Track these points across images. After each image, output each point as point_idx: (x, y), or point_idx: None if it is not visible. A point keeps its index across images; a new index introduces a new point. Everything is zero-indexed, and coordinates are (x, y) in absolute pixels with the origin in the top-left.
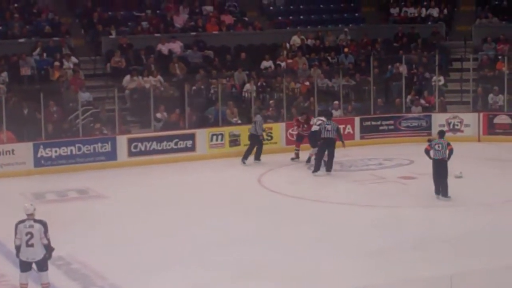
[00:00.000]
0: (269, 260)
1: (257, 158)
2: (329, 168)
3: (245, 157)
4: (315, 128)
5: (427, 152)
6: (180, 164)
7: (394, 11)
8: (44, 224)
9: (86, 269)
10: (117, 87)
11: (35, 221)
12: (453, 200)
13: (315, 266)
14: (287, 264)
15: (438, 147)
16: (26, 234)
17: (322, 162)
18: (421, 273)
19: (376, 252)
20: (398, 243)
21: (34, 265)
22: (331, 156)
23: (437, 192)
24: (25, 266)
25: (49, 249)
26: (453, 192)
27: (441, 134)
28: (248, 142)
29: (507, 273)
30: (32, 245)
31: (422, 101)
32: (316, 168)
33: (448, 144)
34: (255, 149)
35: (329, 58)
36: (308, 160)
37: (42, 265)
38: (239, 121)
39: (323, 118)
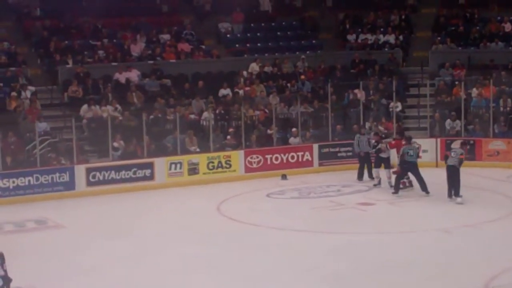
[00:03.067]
0: None
1: (370, 175)
2: (424, 189)
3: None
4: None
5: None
6: (139, 193)
7: (351, 37)
8: (0, 255)
9: None
10: (74, 117)
11: None
12: (410, 226)
13: None
14: None
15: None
16: None
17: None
18: None
19: (334, 279)
20: (356, 269)
21: None
22: (419, 179)
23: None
24: None
25: (6, 280)
26: (411, 218)
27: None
28: None
29: None
30: None
31: (381, 128)
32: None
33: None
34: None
35: (288, 85)
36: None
37: None
38: (198, 149)
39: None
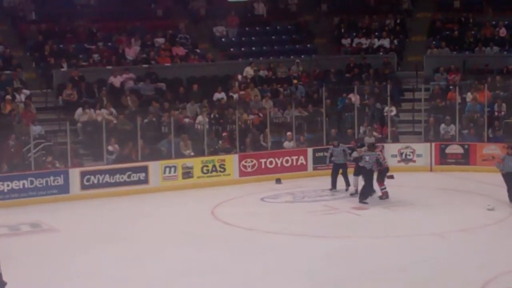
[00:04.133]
0: None
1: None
2: (362, 197)
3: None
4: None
5: (498, 165)
6: (133, 197)
7: (345, 42)
8: None
9: None
10: (69, 120)
11: None
12: (405, 230)
13: None
14: None
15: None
16: None
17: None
18: None
19: (327, 283)
20: (350, 274)
21: None
22: (367, 185)
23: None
24: None
25: (1, 283)
26: (406, 222)
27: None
28: None
29: None
30: None
31: (375, 133)
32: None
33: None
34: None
35: (281, 89)
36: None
37: None
38: (192, 153)
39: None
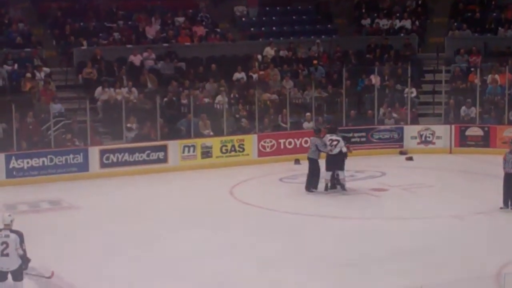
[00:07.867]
0: (239, 273)
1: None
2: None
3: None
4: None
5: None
6: (152, 176)
7: (366, 22)
8: (20, 235)
9: (58, 279)
10: (89, 99)
11: (12, 231)
12: (423, 212)
13: (284, 278)
14: (257, 276)
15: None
16: (2, 244)
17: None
18: (392, 285)
19: (346, 264)
20: (369, 255)
21: (9, 275)
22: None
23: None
24: (0, 276)
25: (25, 260)
26: (425, 204)
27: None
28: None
29: (476, 284)
30: (7, 255)
31: (395, 115)
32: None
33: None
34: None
35: (299, 70)
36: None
37: (17, 275)
38: (211, 133)
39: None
